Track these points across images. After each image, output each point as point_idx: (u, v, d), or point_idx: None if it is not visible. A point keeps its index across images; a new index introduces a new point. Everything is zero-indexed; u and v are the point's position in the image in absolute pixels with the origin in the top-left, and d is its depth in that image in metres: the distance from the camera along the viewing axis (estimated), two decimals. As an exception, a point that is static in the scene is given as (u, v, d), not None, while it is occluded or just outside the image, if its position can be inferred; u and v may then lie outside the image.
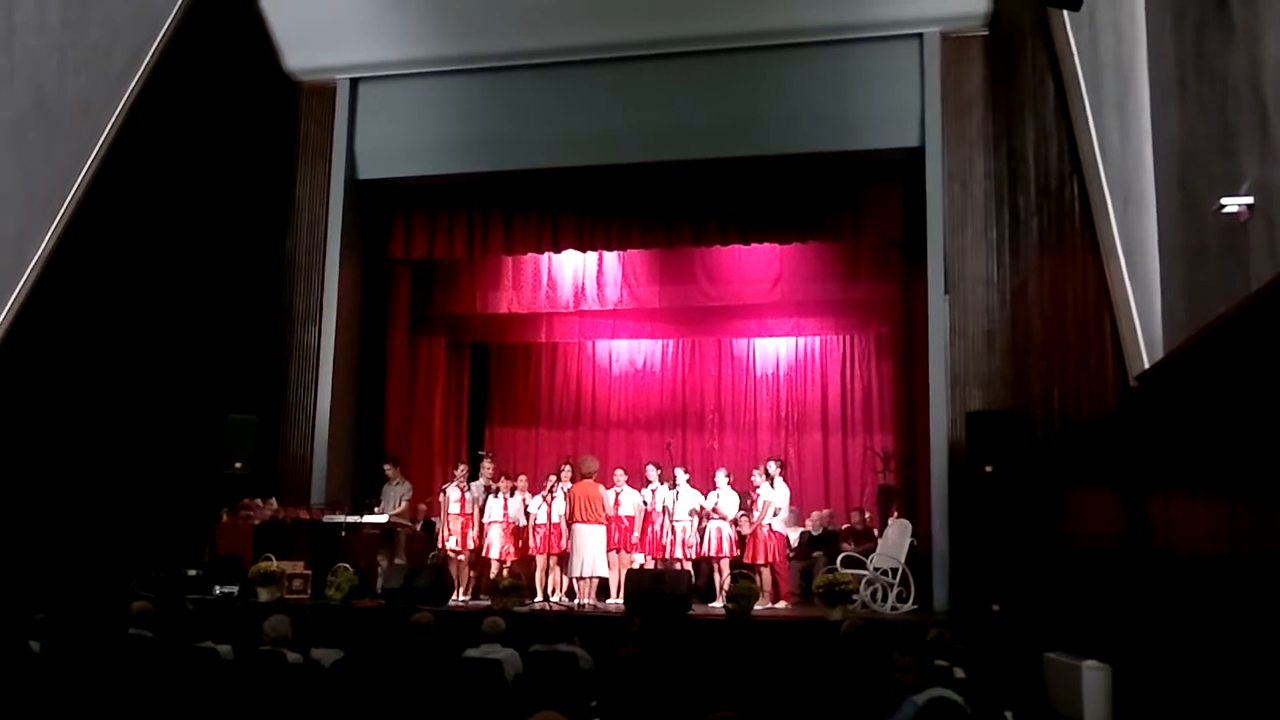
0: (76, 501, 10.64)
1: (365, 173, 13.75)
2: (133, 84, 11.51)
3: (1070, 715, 7.73)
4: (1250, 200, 5.00)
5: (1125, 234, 7.40)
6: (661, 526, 11.86)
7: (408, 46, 13.32)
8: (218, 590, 10.97)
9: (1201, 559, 5.71)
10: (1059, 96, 9.14)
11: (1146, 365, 6.84)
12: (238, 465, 12.14)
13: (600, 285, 15.12)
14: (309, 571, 11.32)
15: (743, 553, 11.60)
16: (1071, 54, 8.76)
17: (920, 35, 12.30)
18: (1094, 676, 7.58)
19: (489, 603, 11.12)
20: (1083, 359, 8.39)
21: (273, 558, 11.16)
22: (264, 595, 10.81)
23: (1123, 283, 7.33)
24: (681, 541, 11.71)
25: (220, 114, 12.76)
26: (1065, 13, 8.51)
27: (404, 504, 12.49)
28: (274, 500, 12.22)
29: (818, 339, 16.04)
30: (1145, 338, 6.94)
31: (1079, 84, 8.55)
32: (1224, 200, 5.13)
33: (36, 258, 10.36)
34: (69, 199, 10.71)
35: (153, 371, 11.75)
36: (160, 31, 11.87)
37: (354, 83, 13.80)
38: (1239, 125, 5.19)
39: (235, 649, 6.91)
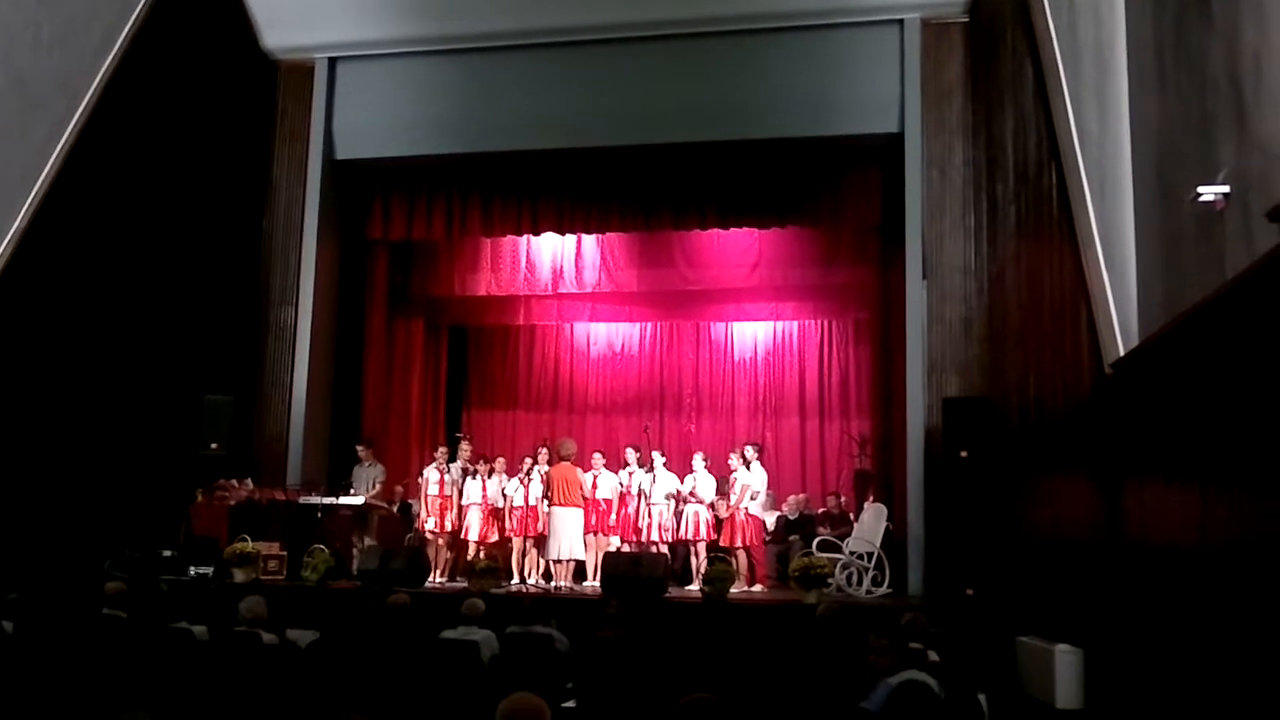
0: (51, 481, 10.57)
1: (343, 153, 13.66)
2: (108, 61, 11.39)
3: (1042, 698, 7.80)
4: (1226, 189, 5.04)
5: (1102, 222, 7.44)
6: (638, 509, 11.89)
7: (387, 26, 13.23)
8: (193, 571, 10.94)
9: (1174, 546, 5.76)
10: (1038, 84, 9.16)
11: (1122, 353, 6.87)
12: (213, 446, 12.10)
13: (579, 268, 15.10)
14: (285, 553, 11.32)
15: (719, 536, 11.64)
16: (1051, 41, 8.78)
17: (901, 21, 12.30)
18: (1066, 660, 7.65)
19: (466, 585, 11.12)
20: (1059, 346, 8.44)
21: (248, 539, 11.13)
22: (239, 576, 10.79)
23: (1099, 270, 7.37)
24: (658, 525, 11.75)
25: (197, 92, 12.64)
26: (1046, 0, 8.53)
27: (377, 486, 12.45)
28: (249, 481, 12.16)
29: (796, 324, 16.07)
30: (1121, 325, 6.98)
31: (1058, 71, 8.57)
32: (1200, 189, 5.16)
33: (9, 236, 10.25)
34: (43, 176, 10.60)
35: (128, 351, 11.67)
36: (136, 8, 11.74)
37: (332, 62, 13.69)
38: (1216, 114, 5.22)
39: (210, 630, 6.90)
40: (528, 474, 12.01)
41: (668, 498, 11.82)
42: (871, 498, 12.29)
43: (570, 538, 11.66)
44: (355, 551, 11.74)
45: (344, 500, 11.96)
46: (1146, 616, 6.23)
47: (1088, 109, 7.82)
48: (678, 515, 11.80)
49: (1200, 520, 5.33)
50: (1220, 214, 5.11)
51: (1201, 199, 5.17)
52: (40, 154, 10.63)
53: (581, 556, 11.78)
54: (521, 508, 11.89)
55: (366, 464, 12.61)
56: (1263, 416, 4.48)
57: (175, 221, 12.33)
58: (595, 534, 11.88)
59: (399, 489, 13.30)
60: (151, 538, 11.18)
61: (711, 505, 11.77)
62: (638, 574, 10.46)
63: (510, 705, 3.45)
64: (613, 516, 11.96)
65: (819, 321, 15.94)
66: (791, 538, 12.80)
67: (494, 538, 12.11)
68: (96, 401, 11.24)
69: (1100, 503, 7.27)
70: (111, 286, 11.49)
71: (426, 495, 12.13)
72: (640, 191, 13.52)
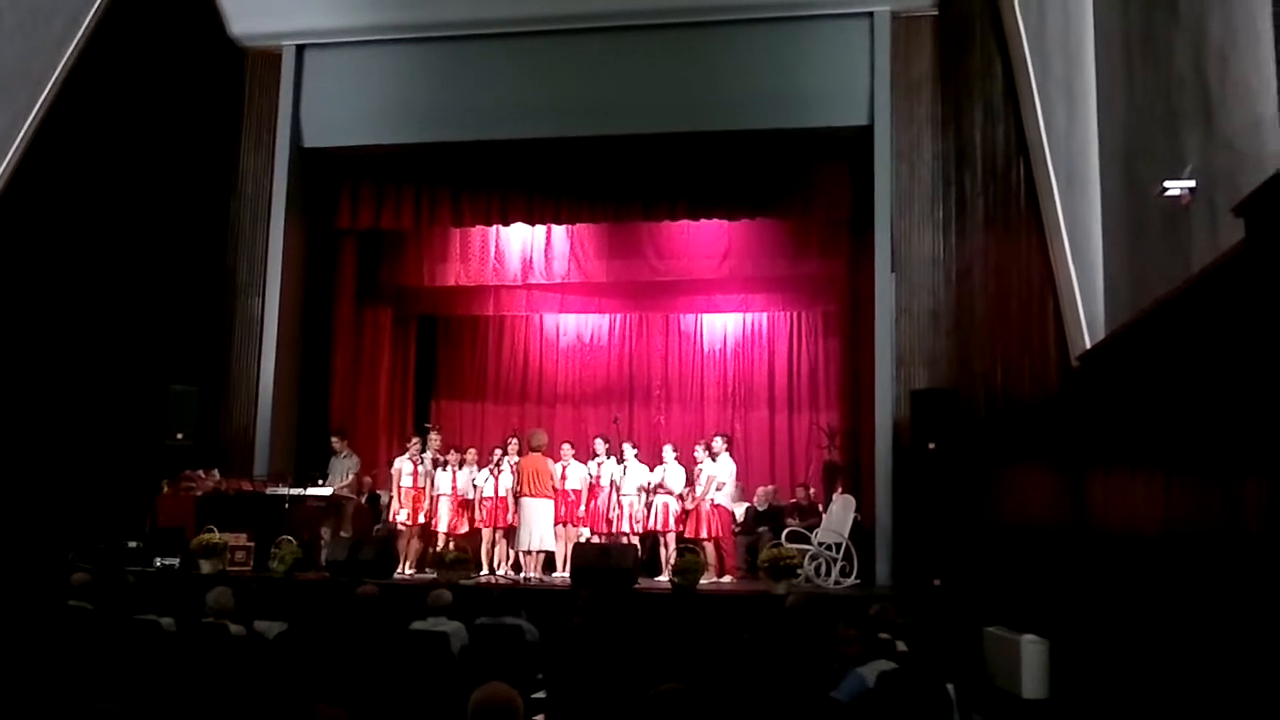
0: (14, 472, 10.45)
1: (311, 141, 13.56)
2: (71, 48, 11.24)
3: (1009, 688, 7.86)
4: (1192, 183, 5.07)
5: (1069, 215, 7.49)
6: (608, 500, 11.89)
7: (355, 14, 13.12)
8: (159, 562, 10.88)
9: (1138, 535, 5.82)
10: (1007, 78, 9.21)
11: (1088, 345, 6.93)
12: (179, 436, 12.01)
13: (548, 259, 15.08)
14: (252, 544, 11.24)
15: (685, 527, 11.67)
16: (1020, 35, 8.83)
17: (871, 14, 12.34)
18: (1033, 650, 7.71)
19: (435, 576, 11.09)
20: (1026, 339, 8.49)
21: (215, 529, 11.06)
22: (206, 567, 10.72)
23: (1066, 264, 7.42)
24: (630, 516, 11.75)
25: (163, 81, 12.51)
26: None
27: (351, 477, 12.43)
28: (216, 472, 12.07)
29: (765, 315, 16.12)
30: (1087, 318, 7.03)
31: (1027, 65, 8.61)
32: (1167, 183, 5.20)
33: (-28, 223, 10.15)
34: (4, 166, 10.47)
35: (93, 341, 11.56)
36: (101, -6, 11.61)
37: (300, 50, 13.58)
38: (1183, 109, 5.26)
39: (177, 621, 6.85)
40: (497, 465, 11.99)
41: (639, 490, 11.82)
42: (840, 489, 12.35)
43: (540, 529, 11.64)
44: (323, 542, 11.68)
45: (311, 491, 11.90)
46: (1112, 606, 6.29)
47: (1056, 103, 7.87)
48: (648, 506, 11.82)
49: (1164, 510, 5.38)
50: (1186, 208, 5.15)
51: (1168, 193, 5.20)
52: (1, 143, 10.49)
53: (551, 547, 11.77)
54: (491, 499, 11.87)
55: (342, 455, 12.55)
56: (1225, 408, 4.53)
57: (141, 211, 12.21)
58: (565, 525, 11.87)
59: (367, 480, 13.25)
60: (117, 529, 11.10)
61: (680, 497, 11.80)
62: (607, 565, 10.46)
63: (482, 696, 3.46)
64: (582, 507, 11.96)
65: (788, 313, 15.99)
66: (760, 529, 12.84)
67: (464, 529, 12.09)
68: (61, 391, 11.12)
69: (1066, 494, 7.33)
70: (76, 277, 11.37)
71: (399, 486, 12.08)
72: (610, 182, 13.52)
